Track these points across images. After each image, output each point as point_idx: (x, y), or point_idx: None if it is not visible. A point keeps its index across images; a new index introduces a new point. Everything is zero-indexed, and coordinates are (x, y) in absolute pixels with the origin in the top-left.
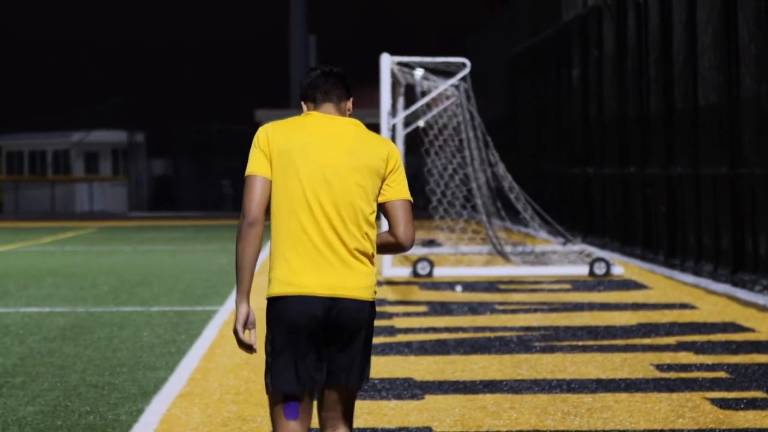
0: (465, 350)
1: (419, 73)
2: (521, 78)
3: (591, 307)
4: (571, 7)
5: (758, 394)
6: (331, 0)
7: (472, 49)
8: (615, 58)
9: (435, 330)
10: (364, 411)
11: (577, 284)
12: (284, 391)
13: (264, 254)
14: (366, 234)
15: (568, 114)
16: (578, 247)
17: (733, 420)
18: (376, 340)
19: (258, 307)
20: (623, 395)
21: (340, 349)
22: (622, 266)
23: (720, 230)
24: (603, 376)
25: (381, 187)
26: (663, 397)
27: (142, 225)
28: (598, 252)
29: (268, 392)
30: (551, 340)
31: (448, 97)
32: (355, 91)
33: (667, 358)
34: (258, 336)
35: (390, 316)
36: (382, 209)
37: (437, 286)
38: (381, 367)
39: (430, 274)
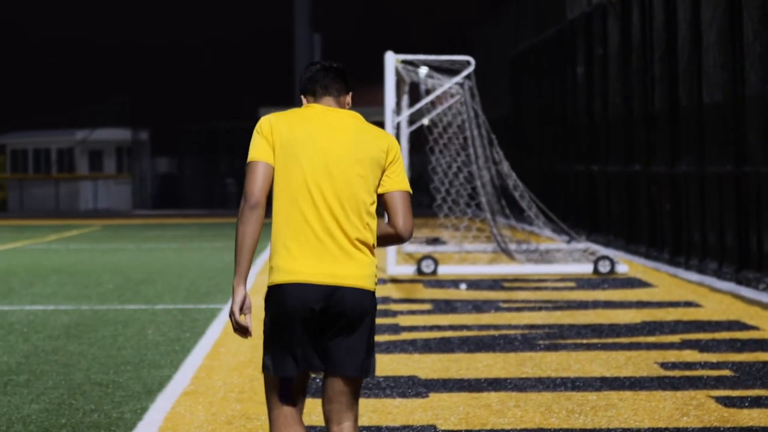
0: (469, 348)
1: (423, 71)
2: (526, 76)
3: (595, 305)
4: (575, 5)
5: (763, 392)
6: None
7: (476, 46)
8: (620, 55)
9: (439, 328)
10: (369, 409)
11: (582, 282)
12: (280, 374)
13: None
14: (367, 224)
15: (572, 112)
16: (583, 245)
17: (738, 418)
18: (381, 338)
19: (255, 301)
20: (628, 393)
21: (341, 338)
22: (626, 264)
23: (725, 228)
24: (607, 374)
25: (381, 178)
26: (667, 395)
27: (147, 223)
28: (602, 250)
29: (264, 371)
30: (556, 338)
31: (452, 95)
32: (360, 89)
33: (672, 356)
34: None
35: (394, 314)
36: (382, 200)
37: (441, 284)
38: (385, 365)
39: (434, 272)
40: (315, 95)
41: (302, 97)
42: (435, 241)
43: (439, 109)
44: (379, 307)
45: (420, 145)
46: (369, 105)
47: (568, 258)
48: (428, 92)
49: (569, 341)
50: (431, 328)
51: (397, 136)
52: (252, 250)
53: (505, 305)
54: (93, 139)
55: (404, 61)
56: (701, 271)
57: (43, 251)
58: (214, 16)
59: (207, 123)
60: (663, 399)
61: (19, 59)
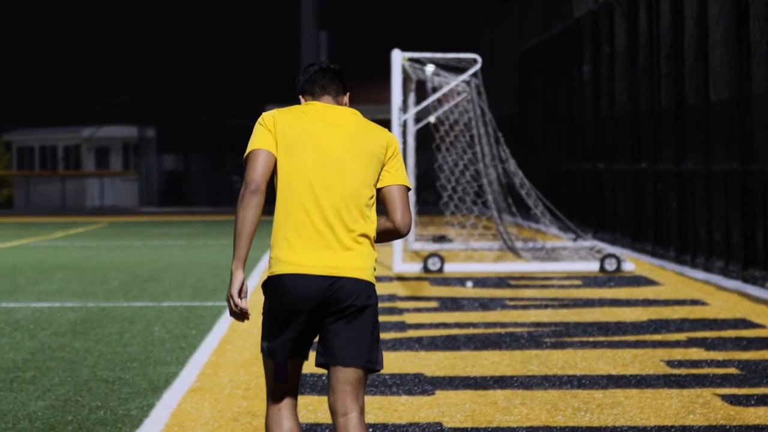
0: (475, 346)
1: (430, 68)
2: (532, 74)
3: (601, 303)
4: (582, 3)
5: None
6: None
7: (483, 44)
8: (626, 53)
9: (445, 325)
10: (375, 406)
11: (588, 280)
12: (274, 361)
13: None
14: (367, 217)
15: (579, 110)
16: (589, 243)
17: (744, 416)
18: (387, 335)
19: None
20: (634, 391)
21: (342, 328)
22: (632, 262)
23: (731, 226)
24: (613, 372)
25: (380, 173)
26: (673, 393)
27: (153, 220)
28: (608, 248)
29: (262, 353)
30: (562, 336)
31: (459, 93)
32: (366, 87)
33: (678, 354)
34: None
35: (401, 311)
36: (380, 195)
37: (448, 281)
38: (392, 362)
39: (440, 270)
40: (314, 95)
41: (300, 97)
42: (441, 238)
43: (446, 107)
44: (386, 304)
45: (426, 142)
46: (375, 103)
47: (574, 256)
48: (435, 90)
49: (575, 339)
50: (437, 325)
51: (404, 134)
52: (251, 235)
53: (512, 303)
54: (99, 136)
55: (411, 59)
56: (707, 269)
57: (49, 248)
58: (220, 15)
59: (213, 120)
60: (669, 397)
61: (26, 58)
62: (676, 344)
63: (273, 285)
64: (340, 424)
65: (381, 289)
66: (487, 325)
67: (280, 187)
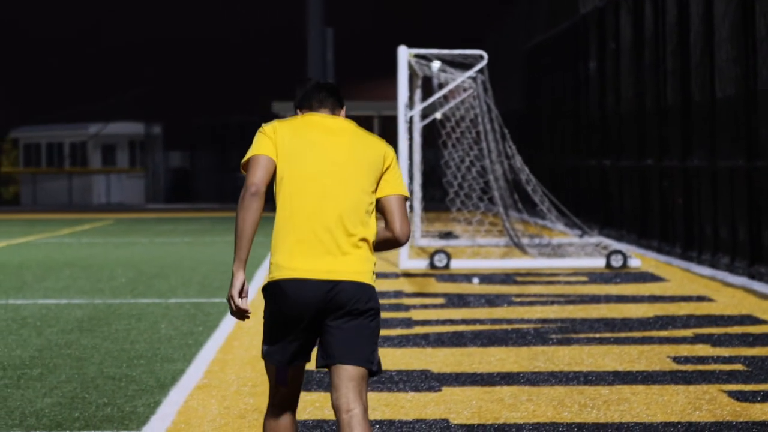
0: (482, 342)
1: (436, 65)
2: (538, 70)
3: (608, 299)
4: (588, 0)
5: None
6: None
7: (489, 41)
8: (632, 50)
9: (452, 322)
10: (381, 403)
11: (594, 276)
12: (274, 364)
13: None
14: (366, 223)
15: (585, 106)
16: (595, 239)
17: (750, 412)
18: (394, 331)
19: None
20: (640, 387)
21: (343, 329)
22: (638, 258)
23: (737, 223)
24: (620, 369)
25: (379, 182)
26: (680, 390)
27: (160, 217)
28: (614, 244)
29: (263, 357)
30: (568, 332)
31: (465, 90)
32: (372, 84)
33: (684, 350)
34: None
35: (407, 308)
36: (379, 204)
37: (454, 278)
38: (398, 359)
39: (447, 267)
40: (311, 109)
41: (298, 111)
42: (448, 235)
43: (452, 103)
44: (392, 300)
45: (433, 139)
46: (382, 99)
47: (580, 252)
48: (441, 86)
49: (582, 335)
50: (444, 322)
51: (410, 131)
52: (251, 237)
53: (518, 299)
54: (106, 133)
55: (417, 55)
56: (713, 265)
57: (55, 245)
58: (227, 12)
59: (220, 117)
60: (675, 393)
61: (32, 55)
62: (683, 340)
63: (273, 290)
64: (343, 420)
65: (387, 285)
66: (494, 321)
67: (280, 194)
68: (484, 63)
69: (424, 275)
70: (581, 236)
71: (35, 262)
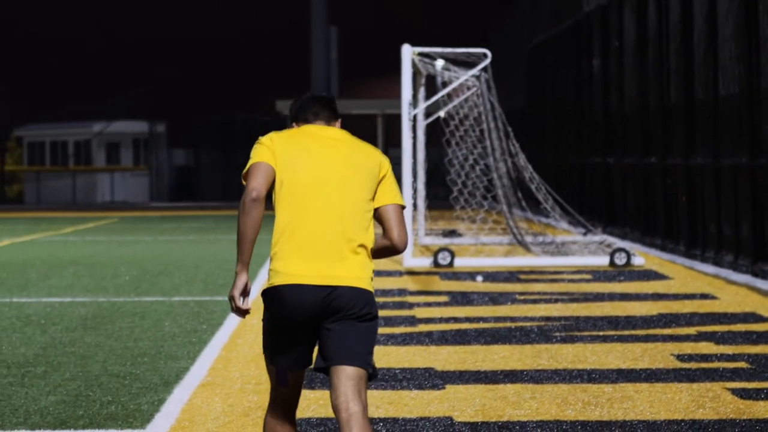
0: (486, 340)
1: (440, 63)
2: (542, 68)
3: (611, 297)
4: None
5: None
6: None
7: (493, 39)
8: (636, 48)
9: (456, 320)
10: (385, 401)
11: (598, 274)
12: (275, 366)
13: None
14: (365, 229)
15: (588, 104)
16: (599, 237)
17: (754, 410)
18: (397, 329)
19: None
20: (644, 385)
21: (341, 331)
22: (642, 256)
23: (740, 220)
24: (623, 366)
25: (376, 191)
26: (683, 387)
27: (163, 215)
28: (618, 242)
29: (265, 358)
30: (572, 330)
31: (469, 88)
32: (376, 82)
33: (688, 348)
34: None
35: (411, 306)
36: (377, 213)
37: (458, 276)
38: (402, 356)
39: (450, 265)
40: (307, 121)
41: (294, 124)
42: (451, 233)
43: (456, 102)
44: (396, 299)
45: (436, 137)
46: (385, 97)
47: (584, 250)
48: (445, 84)
49: (585, 333)
50: (448, 320)
51: (414, 129)
52: (253, 241)
53: (522, 297)
54: (110, 131)
55: (421, 54)
56: (717, 263)
57: (60, 243)
58: (231, 9)
59: (224, 115)
60: (679, 391)
61: (36, 53)
62: (686, 338)
63: (272, 295)
64: (342, 419)
65: (391, 283)
66: (497, 319)
67: (279, 200)
68: (487, 61)
69: (428, 273)
70: (585, 234)
71: (39, 261)
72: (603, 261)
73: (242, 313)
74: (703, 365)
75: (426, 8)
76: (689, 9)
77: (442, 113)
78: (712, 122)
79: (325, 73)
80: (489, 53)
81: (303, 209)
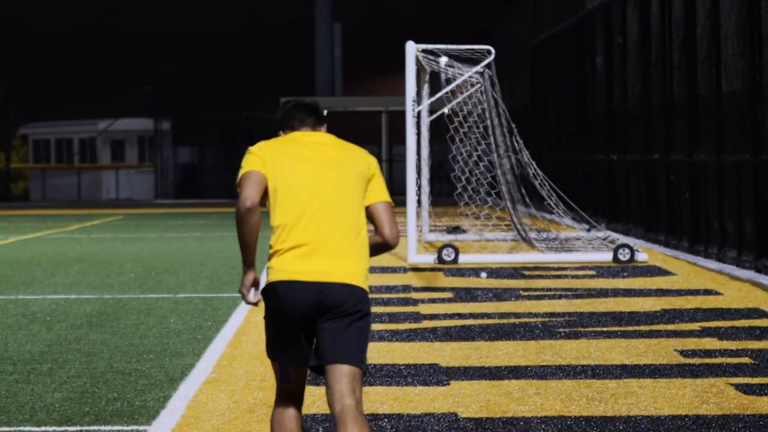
0: (490, 336)
1: (444, 60)
2: (545, 65)
3: (615, 293)
4: None
5: None
6: None
7: (496, 36)
8: (639, 45)
9: (460, 316)
10: (390, 397)
11: (602, 270)
12: (275, 362)
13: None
14: (358, 228)
15: (591, 101)
16: (602, 233)
17: (757, 405)
18: (402, 326)
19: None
20: (647, 381)
21: (335, 329)
22: (646, 252)
23: (743, 217)
24: (627, 362)
25: (366, 191)
26: (687, 383)
27: (169, 212)
28: (622, 238)
29: (267, 354)
30: (576, 326)
31: (472, 84)
32: (380, 79)
33: (691, 343)
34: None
35: (415, 302)
36: (368, 212)
37: (462, 272)
38: (406, 353)
39: (455, 261)
40: (293, 129)
41: (281, 132)
42: (455, 229)
43: (460, 99)
44: (400, 295)
45: (440, 134)
46: (389, 94)
47: (587, 246)
48: (448, 81)
49: (589, 329)
50: (452, 316)
51: (418, 125)
52: (255, 246)
53: (526, 293)
54: (115, 128)
55: (425, 51)
56: (720, 259)
57: (65, 240)
58: (235, 7)
59: (228, 113)
60: (683, 386)
61: (41, 51)
62: (690, 334)
63: (269, 292)
64: (337, 414)
65: (395, 280)
66: (502, 315)
67: (274, 207)
68: (491, 58)
69: (432, 270)
70: (589, 230)
71: (45, 258)
72: (606, 257)
73: (253, 304)
74: (707, 361)
75: (429, 5)
76: (692, 5)
77: (446, 110)
78: (715, 119)
79: (329, 71)
80: (493, 50)
81: (298, 212)
